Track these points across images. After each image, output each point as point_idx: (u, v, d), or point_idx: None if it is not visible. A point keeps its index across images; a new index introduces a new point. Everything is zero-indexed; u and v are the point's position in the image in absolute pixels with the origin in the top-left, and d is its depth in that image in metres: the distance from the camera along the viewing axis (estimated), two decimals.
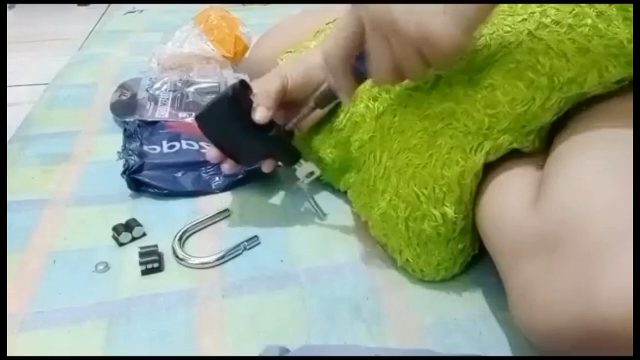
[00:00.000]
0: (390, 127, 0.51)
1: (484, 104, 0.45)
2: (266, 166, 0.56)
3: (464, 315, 0.47)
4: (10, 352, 0.43)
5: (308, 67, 0.57)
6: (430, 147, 0.47)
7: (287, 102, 0.55)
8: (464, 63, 0.48)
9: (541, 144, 0.46)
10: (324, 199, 0.62)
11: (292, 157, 0.56)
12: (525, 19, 0.47)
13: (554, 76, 0.43)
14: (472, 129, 0.45)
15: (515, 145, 0.45)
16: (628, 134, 0.39)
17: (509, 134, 0.45)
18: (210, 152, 0.55)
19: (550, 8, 0.46)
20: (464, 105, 0.46)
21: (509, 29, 0.47)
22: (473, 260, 0.51)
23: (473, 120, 0.45)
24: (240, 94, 0.51)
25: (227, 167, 0.55)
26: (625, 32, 0.42)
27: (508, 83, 0.45)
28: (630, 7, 0.43)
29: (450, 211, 0.46)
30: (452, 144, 0.46)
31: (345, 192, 0.58)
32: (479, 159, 0.45)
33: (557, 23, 0.45)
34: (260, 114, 0.51)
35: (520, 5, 0.49)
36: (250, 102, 0.52)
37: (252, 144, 0.53)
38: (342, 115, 0.57)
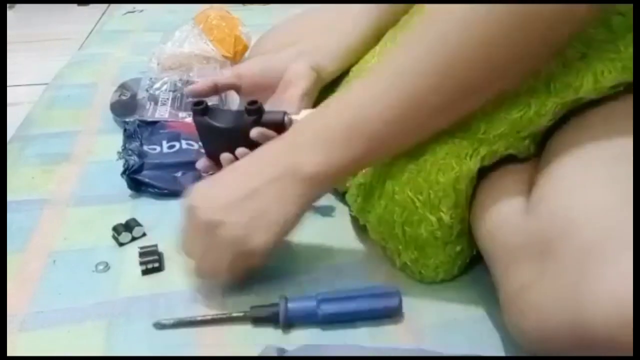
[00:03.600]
0: None
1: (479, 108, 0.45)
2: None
3: (464, 316, 0.47)
4: (10, 352, 0.43)
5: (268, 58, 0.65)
6: (425, 153, 0.46)
7: (253, 89, 0.62)
8: None
9: (536, 149, 0.46)
10: (324, 198, 0.62)
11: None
12: None
13: (551, 81, 0.43)
14: (468, 134, 0.45)
15: (510, 151, 0.45)
16: (621, 138, 0.39)
17: (504, 140, 0.44)
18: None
19: None
20: None
21: None
22: (473, 261, 0.51)
23: (468, 124, 0.45)
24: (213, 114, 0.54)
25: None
26: (622, 36, 0.42)
27: None
28: (625, 7, 0.42)
29: (446, 216, 0.45)
30: (447, 149, 0.45)
31: (344, 193, 0.58)
32: (474, 165, 0.44)
33: None
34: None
35: None
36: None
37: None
38: None
